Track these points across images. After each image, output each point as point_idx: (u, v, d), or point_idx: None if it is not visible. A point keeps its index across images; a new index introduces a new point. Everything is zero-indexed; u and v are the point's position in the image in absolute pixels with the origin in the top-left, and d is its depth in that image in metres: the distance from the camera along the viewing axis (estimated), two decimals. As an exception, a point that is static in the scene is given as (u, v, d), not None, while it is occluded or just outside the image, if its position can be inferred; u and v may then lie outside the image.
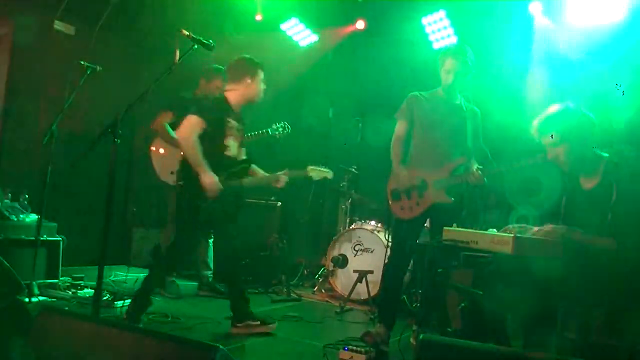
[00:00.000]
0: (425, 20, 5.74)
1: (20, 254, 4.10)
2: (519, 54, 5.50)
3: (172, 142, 4.53)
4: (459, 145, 3.71)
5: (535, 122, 2.65)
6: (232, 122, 3.65)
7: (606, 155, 2.52)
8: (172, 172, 4.48)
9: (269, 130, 4.82)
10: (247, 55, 3.75)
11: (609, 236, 2.37)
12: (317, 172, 3.82)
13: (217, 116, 3.56)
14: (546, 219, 2.83)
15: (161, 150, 4.67)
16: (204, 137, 3.50)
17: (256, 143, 4.55)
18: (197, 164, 3.45)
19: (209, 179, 3.46)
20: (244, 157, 3.82)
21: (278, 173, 3.80)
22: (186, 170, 3.53)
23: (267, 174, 3.85)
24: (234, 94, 3.68)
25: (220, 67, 4.65)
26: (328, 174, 3.88)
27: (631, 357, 2.42)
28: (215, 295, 4.74)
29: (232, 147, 3.67)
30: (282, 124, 4.83)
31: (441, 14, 5.66)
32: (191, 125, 3.46)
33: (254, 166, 3.87)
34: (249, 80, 3.66)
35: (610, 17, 4.92)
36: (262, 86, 3.74)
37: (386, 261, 3.76)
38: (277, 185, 3.80)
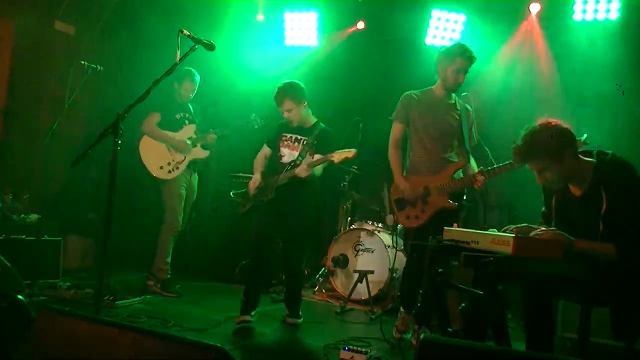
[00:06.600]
0: (435, 14, 5.72)
1: (21, 254, 4.10)
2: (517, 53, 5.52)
3: (161, 140, 4.76)
4: (456, 146, 3.70)
5: (516, 151, 2.48)
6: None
7: (593, 160, 2.47)
8: (161, 167, 4.70)
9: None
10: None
11: (603, 241, 2.35)
12: (339, 154, 3.59)
13: None
14: (539, 220, 2.82)
15: (149, 148, 4.77)
16: None
17: (257, 141, 4.52)
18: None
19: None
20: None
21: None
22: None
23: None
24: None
25: (191, 69, 4.73)
26: (349, 153, 3.59)
27: (631, 357, 2.42)
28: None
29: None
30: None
31: (460, 16, 5.66)
32: None
33: None
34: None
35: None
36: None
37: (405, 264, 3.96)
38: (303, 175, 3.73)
